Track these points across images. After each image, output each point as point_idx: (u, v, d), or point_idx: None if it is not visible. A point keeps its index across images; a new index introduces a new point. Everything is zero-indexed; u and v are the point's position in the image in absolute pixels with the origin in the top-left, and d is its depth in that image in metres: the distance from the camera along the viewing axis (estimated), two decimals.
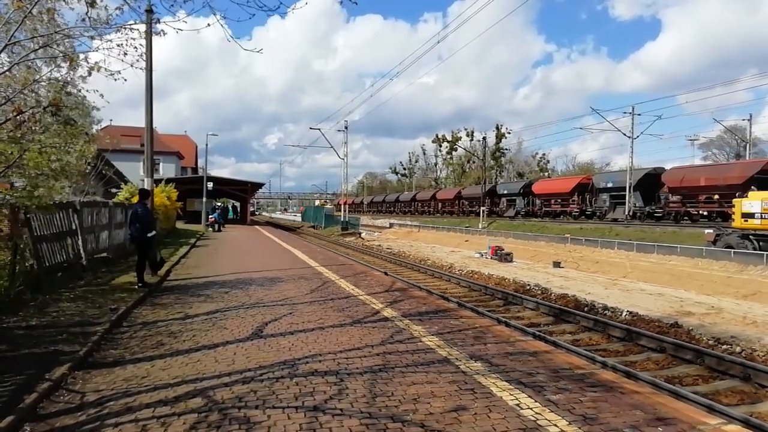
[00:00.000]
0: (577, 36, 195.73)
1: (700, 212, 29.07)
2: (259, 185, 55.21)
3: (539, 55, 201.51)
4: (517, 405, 4.07)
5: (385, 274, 15.89)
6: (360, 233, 41.65)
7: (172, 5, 5.55)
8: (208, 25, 5.62)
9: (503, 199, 48.42)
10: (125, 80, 6.54)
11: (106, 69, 6.26)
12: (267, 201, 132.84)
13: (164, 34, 6.75)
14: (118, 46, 6.05)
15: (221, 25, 5.52)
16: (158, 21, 6.38)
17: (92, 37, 6.08)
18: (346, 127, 46.20)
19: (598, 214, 35.95)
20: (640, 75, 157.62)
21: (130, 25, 6.20)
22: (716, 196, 26.57)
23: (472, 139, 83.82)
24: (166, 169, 49.88)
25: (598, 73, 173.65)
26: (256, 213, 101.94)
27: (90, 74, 6.28)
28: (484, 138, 55.96)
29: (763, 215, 18.07)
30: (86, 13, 5.66)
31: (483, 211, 42.47)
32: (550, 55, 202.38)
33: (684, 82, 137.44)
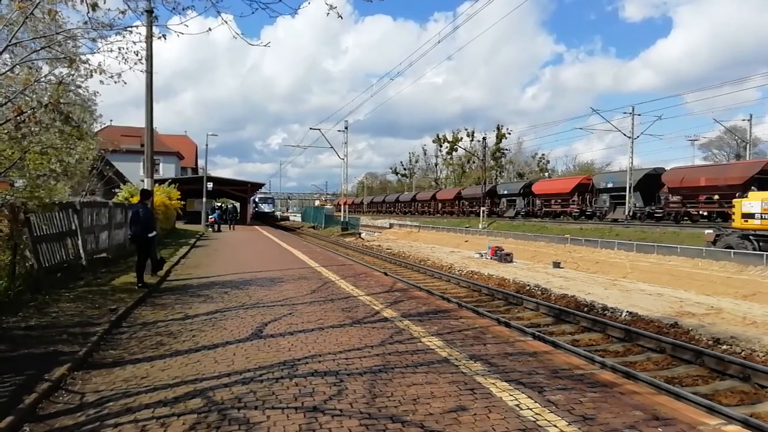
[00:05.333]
0: (587, 36, 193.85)
1: (700, 212, 29.05)
2: (259, 185, 55.25)
3: (549, 55, 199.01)
4: (517, 405, 4.07)
5: (385, 274, 15.89)
6: (360, 233, 41.61)
7: (174, 8, 5.55)
8: (209, 29, 5.62)
9: (503, 200, 48.41)
10: (125, 83, 6.54)
11: (106, 71, 6.27)
12: None
13: (164, 38, 6.74)
14: (119, 48, 6.06)
15: (225, 23, 5.49)
16: (157, 22, 6.35)
17: (93, 39, 6.09)
18: (346, 128, 46.19)
19: (598, 214, 35.93)
20: (652, 74, 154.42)
21: (132, 27, 6.20)
22: (716, 197, 26.55)
23: (472, 140, 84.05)
24: (166, 170, 49.82)
25: (607, 72, 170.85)
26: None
27: (91, 76, 6.30)
28: (484, 138, 55.98)
29: (763, 215, 18.06)
30: (87, 14, 5.66)
31: (483, 212, 42.46)
32: (560, 55, 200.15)
33: (696, 81, 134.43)
